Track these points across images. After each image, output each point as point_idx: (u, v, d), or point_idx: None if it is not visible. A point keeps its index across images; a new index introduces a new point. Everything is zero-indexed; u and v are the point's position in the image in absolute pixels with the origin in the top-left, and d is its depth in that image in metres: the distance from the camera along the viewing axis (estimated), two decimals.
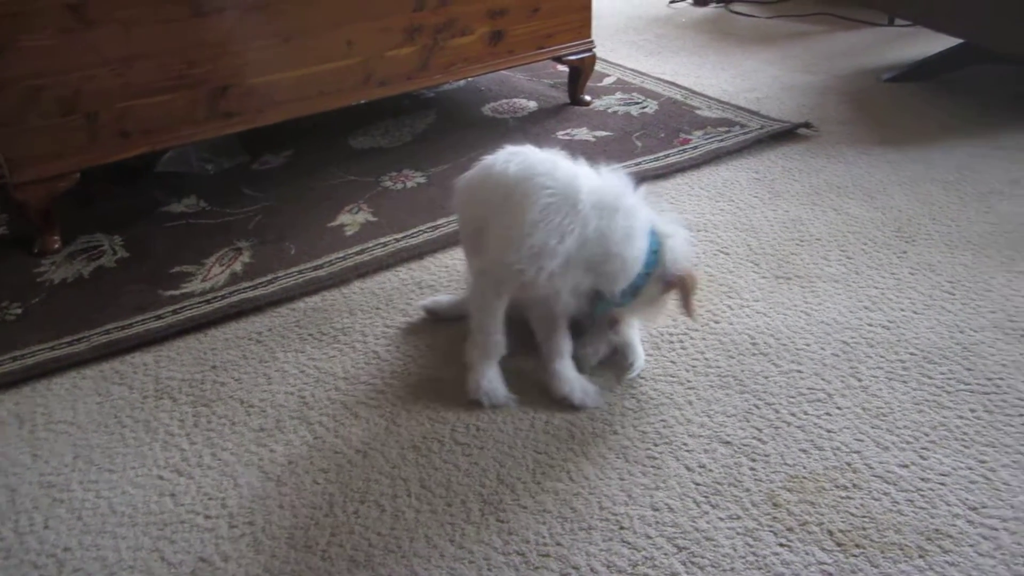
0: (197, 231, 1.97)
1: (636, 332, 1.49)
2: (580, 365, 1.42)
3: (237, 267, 1.79)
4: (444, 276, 1.73)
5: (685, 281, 1.32)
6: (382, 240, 1.87)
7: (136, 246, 1.91)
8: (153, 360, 1.52)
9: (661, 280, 1.32)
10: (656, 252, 1.31)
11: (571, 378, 1.37)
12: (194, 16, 1.84)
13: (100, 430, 1.36)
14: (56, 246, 1.91)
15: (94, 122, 1.81)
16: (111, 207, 2.12)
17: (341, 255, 1.81)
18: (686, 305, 1.33)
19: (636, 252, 1.29)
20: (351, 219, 1.98)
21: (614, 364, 1.46)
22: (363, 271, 1.75)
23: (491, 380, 1.37)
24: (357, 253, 1.82)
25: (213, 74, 1.92)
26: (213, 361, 1.51)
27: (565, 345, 1.40)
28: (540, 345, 1.43)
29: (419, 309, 1.62)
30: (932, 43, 3.00)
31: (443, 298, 1.62)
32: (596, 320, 1.44)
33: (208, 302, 1.67)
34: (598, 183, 1.31)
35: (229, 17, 1.89)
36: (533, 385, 1.40)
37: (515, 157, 1.36)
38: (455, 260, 1.79)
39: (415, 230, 1.90)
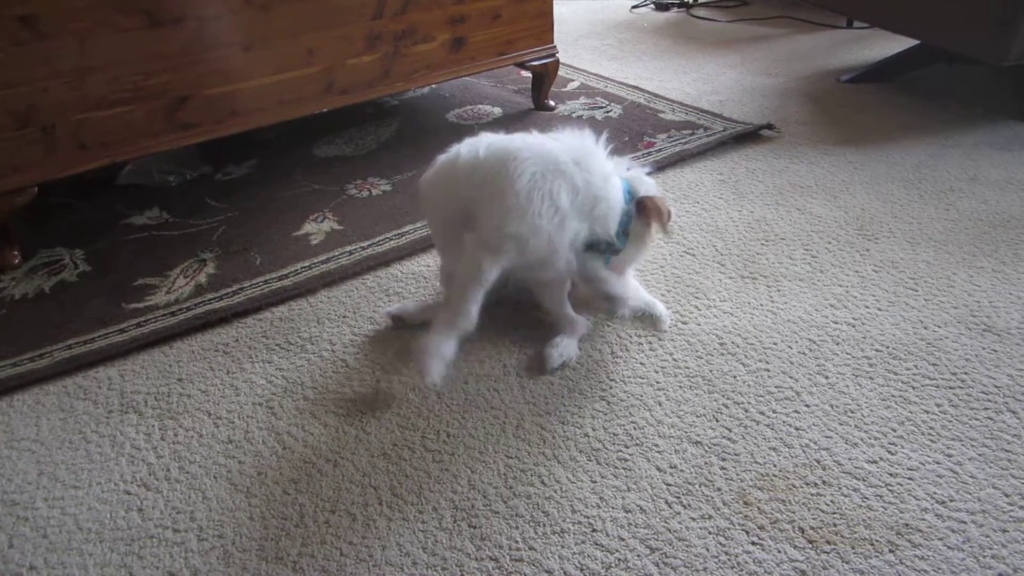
0: (160, 243, 1.95)
1: (644, 290, 1.61)
2: (544, 364, 1.44)
3: (202, 278, 1.77)
4: (411, 283, 1.73)
5: (658, 204, 1.44)
6: (348, 248, 1.85)
7: (98, 259, 1.89)
8: (118, 374, 1.50)
9: (640, 212, 1.45)
10: (628, 191, 1.45)
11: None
12: (150, 27, 1.82)
13: (64, 446, 1.33)
14: (16, 261, 1.87)
15: (50, 135, 1.78)
16: (72, 221, 2.09)
17: (307, 264, 1.80)
18: (663, 226, 1.46)
19: (616, 192, 1.41)
20: (316, 228, 1.96)
21: (644, 322, 1.56)
22: (329, 280, 1.74)
23: (443, 352, 1.33)
24: (323, 262, 1.80)
25: (171, 85, 1.90)
26: (179, 374, 1.49)
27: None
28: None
29: (385, 316, 1.61)
30: (889, 45, 3.05)
31: (409, 304, 1.62)
32: (601, 275, 1.48)
33: (173, 314, 1.65)
34: (567, 141, 1.40)
35: (186, 27, 1.87)
36: (505, 388, 1.39)
37: (479, 144, 1.43)
38: (422, 267, 1.78)
39: (381, 238, 1.89)
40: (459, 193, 1.42)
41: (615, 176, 1.42)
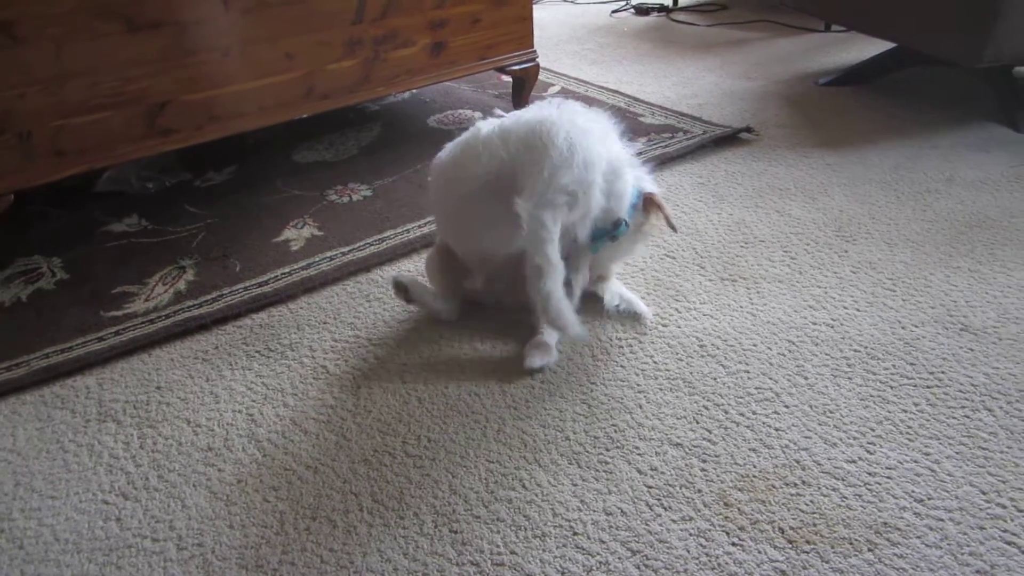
0: (139, 250, 1.94)
1: (624, 288, 1.62)
2: (524, 363, 1.45)
3: (181, 285, 1.76)
4: (392, 289, 1.72)
5: (655, 198, 1.48)
6: (328, 254, 1.85)
7: (76, 267, 1.87)
8: (96, 383, 1.49)
9: (644, 206, 1.48)
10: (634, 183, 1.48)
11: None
12: (128, 32, 1.81)
13: (42, 456, 1.32)
14: None
15: (27, 142, 1.77)
16: (49, 228, 2.08)
17: (287, 270, 1.79)
18: (670, 220, 1.48)
19: (630, 176, 1.45)
20: (296, 234, 1.96)
21: (626, 320, 1.58)
22: (310, 286, 1.74)
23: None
24: (303, 268, 1.80)
25: (150, 91, 1.89)
26: (158, 381, 1.49)
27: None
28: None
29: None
30: (866, 48, 3.07)
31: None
32: (586, 259, 1.52)
33: (152, 322, 1.64)
34: (588, 115, 1.44)
35: (165, 32, 1.86)
36: (486, 393, 1.39)
37: (496, 120, 1.46)
38: (403, 272, 1.78)
39: (361, 243, 1.89)
40: (493, 160, 1.41)
41: (628, 162, 1.46)
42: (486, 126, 1.46)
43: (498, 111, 1.52)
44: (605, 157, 1.40)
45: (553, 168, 1.34)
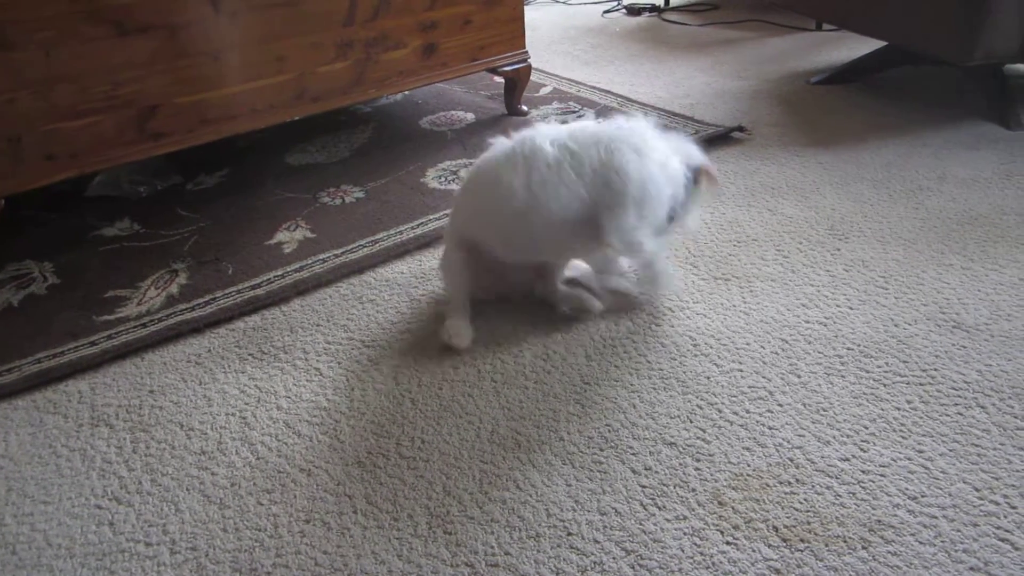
0: (131, 254, 1.93)
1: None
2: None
3: (174, 289, 1.76)
4: (385, 291, 1.72)
5: (708, 169, 1.56)
6: (321, 256, 1.85)
7: (68, 272, 1.87)
8: (88, 387, 1.49)
9: (696, 175, 1.56)
10: (687, 165, 1.54)
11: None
12: (118, 36, 1.80)
13: (34, 461, 1.32)
14: None
15: (17, 146, 1.76)
16: (41, 233, 2.07)
17: (280, 273, 1.79)
18: (714, 184, 1.61)
19: (679, 171, 1.52)
20: (289, 236, 1.95)
21: (622, 309, 1.62)
22: (303, 288, 1.73)
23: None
24: (296, 270, 1.80)
25: (140, 94, 1.88)
26: (151, 385, 1.48)
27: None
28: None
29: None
30: (858, 46, 3.08)
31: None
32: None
33: (144, 326, 1.63)
34: (651, 135, 1.51)
35: (155, 36, 1.86)
36: (479, 394, 1.39)
37: (556, 134, 1.49)
38: (396, 274, 1.78)
39: (354, 245, 1.89)
40: (574, 199, 1.45)
41: (673, 156, 1.51)
42: (546, 143, 1.47)
43: (542, 124, 1.54)
44: (669, 189, 1.49)
45: (635, 212, 1.45)
